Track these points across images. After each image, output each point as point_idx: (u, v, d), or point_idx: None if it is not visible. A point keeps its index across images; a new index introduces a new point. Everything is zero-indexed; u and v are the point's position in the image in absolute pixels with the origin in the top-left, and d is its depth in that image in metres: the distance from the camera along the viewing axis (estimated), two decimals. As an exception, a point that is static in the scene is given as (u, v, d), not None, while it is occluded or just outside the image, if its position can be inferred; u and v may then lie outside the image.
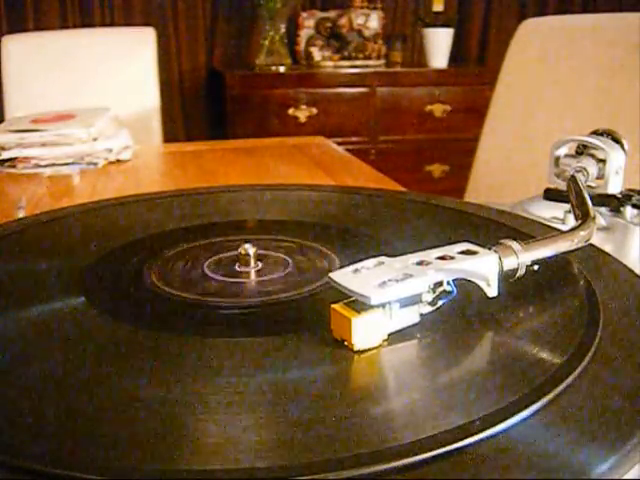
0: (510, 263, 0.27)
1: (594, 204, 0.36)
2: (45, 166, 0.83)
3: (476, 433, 0.19)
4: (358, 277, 0.25)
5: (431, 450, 0.19)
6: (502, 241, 0.28)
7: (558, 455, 0.19)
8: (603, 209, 0.44)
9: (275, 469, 0.18)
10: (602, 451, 0.19)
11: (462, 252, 0.27)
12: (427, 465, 0.18)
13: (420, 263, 0.26)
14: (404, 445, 0.19)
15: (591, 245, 0.33)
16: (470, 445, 0.19)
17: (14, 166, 0.83)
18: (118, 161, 0.88)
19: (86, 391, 0.23)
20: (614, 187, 0.43)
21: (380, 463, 0.18)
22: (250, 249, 0.33)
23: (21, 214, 0.63)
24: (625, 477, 0.18)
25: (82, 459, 0.19)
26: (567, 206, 0.43)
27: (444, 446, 0.19)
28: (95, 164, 0.85)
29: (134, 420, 0.21)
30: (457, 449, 0.19)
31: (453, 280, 0.26)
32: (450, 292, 0.26)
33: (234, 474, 0.18)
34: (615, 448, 0.19)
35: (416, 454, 0.18)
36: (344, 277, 0.25)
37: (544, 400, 0.21)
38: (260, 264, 0.34)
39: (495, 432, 0.19)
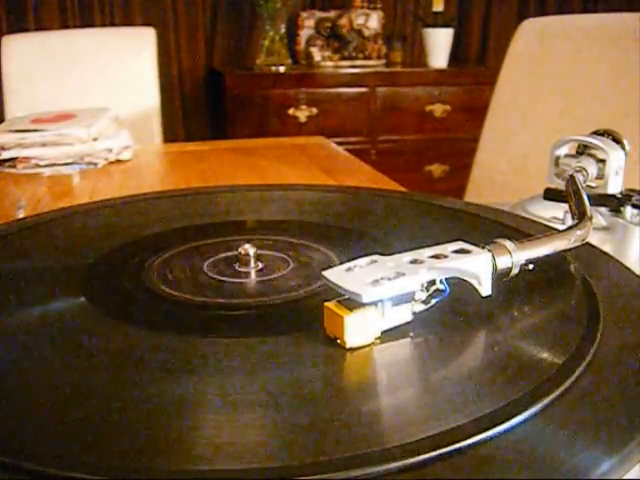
0: (504, 262, 0.27)
1: (594, 204, 0.36)
2: (45, 166, 0.83)
3: (477, 433, 0.19)
4: (351, 275, 0.25)
5: (430, 451, 0.19)
6: (496, 240, 0.28)
7: (558, 455, 0.19)
8: (603, 209, 0.44)
9: (272, 470, 0.18)
10: (602, 451, 0.19)
11: (456, 251, 0.27)
12: (426, 466, 0.18)
13: (413, 262, 0.26)
14: (403, 445, 0.19)
15: (591, 245, 0.33)
16: (470, 445, 0.19)
17: (14, 166, 0.83)
18: (118, 161, 0.88)
19: (86, 391, 0.23)
20: (614, 187, 0.43)
21: (379, 464, 0.18)
22: (250, 249, 0.33)
23: (21, 214, 0.63)
24: (625, 477, 0.18)
25: (82, 459, 0.19)
26: (567, 206, 0.43)
27: (444, 446, 0.19)
28: (95, 164, 0.85)
29: (134, 420, 0.21)
30: (457, 449, 0.19)
31: (446, 279, 0.26)
32: (443, 291, 0.26)
33: (231, 474, 0.18)
34: (615, 448, 0.19)
35: (415, 454, 0.18)
36: (337, 275, 0.25)
37: (544, 401, 0.21)
38: (260, 264, 0.34)
39: (495, 432, 0.19)
